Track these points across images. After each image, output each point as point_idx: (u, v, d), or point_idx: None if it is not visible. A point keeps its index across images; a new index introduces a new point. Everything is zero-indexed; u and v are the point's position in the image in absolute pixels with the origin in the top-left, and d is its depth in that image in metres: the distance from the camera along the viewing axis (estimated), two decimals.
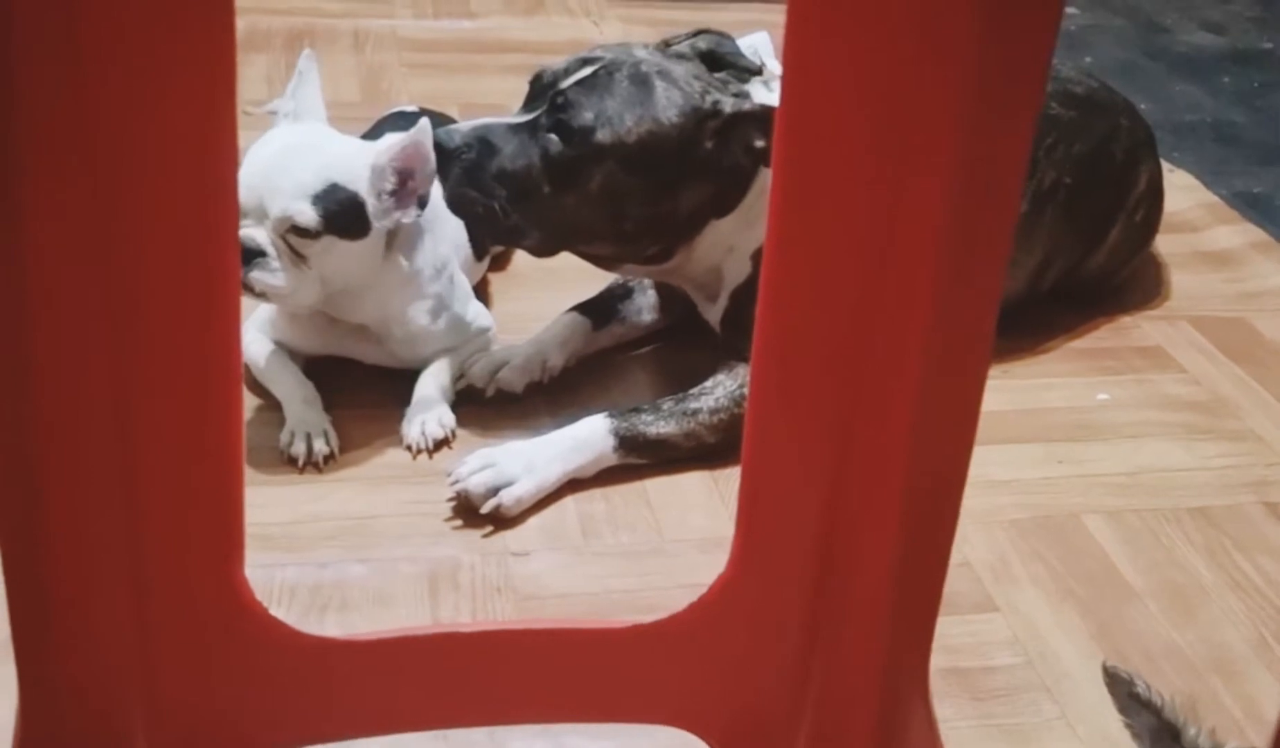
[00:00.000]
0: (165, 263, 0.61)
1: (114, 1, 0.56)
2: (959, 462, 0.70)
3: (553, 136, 1.26)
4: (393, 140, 1.26)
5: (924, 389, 0.68)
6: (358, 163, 1.24)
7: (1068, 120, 1.54)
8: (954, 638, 1.10)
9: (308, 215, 1.20)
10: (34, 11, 0.55)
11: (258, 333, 1.36)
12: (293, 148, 1.23)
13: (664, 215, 1.29)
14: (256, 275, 1.21)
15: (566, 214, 1.28)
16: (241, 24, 2.28)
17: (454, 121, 1.64)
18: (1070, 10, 2.89)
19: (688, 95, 1.27)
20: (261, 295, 1.24)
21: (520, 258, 1.60)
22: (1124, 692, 1.00)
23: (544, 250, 1.34)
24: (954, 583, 1.16)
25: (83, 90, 0.57)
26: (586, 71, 1.28)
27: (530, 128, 1.27)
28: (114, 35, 0.56)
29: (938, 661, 1.05)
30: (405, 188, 1.25)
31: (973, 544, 1.22)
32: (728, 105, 1.27)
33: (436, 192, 1.28)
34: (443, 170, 1.26)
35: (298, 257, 1.22)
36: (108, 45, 0.56)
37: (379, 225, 1.25)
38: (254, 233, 1.21)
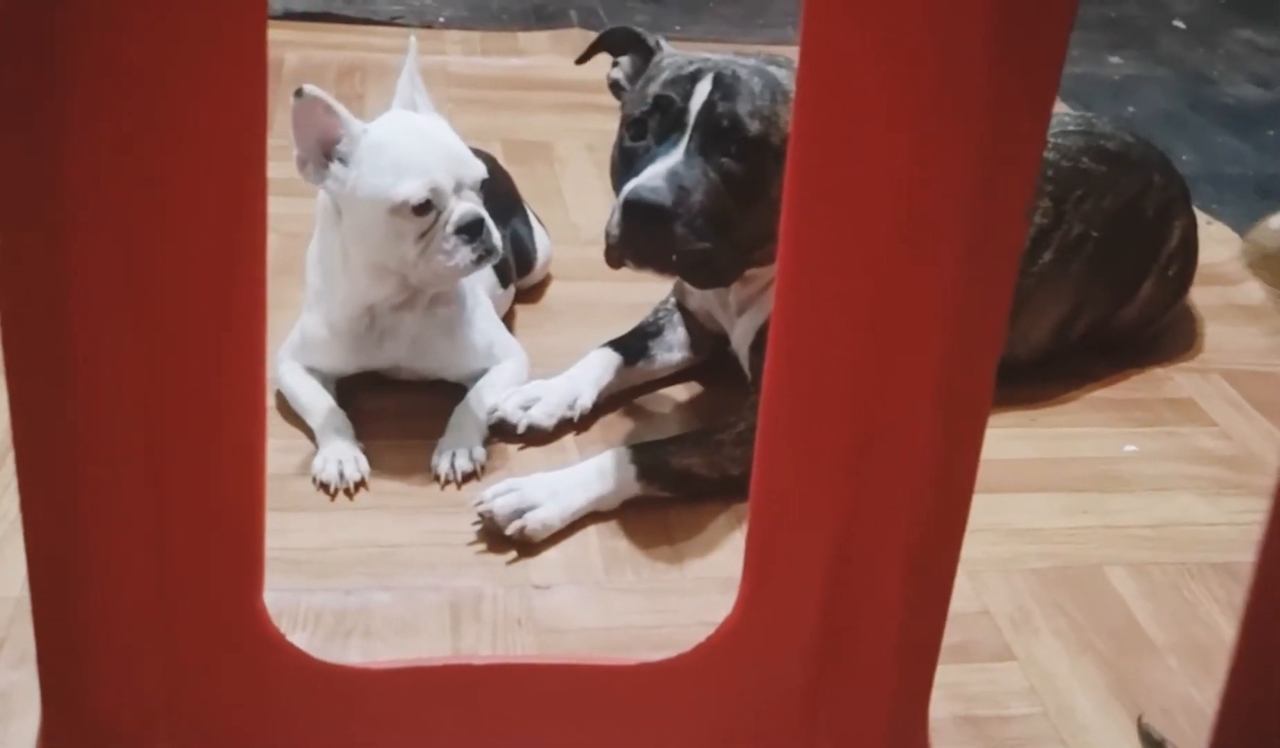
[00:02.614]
0: (192, 285, 0.64)
1: (151, 25, 0.59)
2: (961, 508, 0.72)
3: (724, 160, 1.24)
4: None
5: (932, 437, 0.70)
6: None
7: (1098, 175, 1.55)
8: (970, 686, 1.10)
9: (482, 168, 1.29)
10: (79, 38, 0.58)
11: (291, 362, 1.39)
12: (436, 127, 1.31)
13: None
14: (496, 242, 1.28)
15: (751, 227, 1.25)
16: (294, 57, 2.35)
17: (493, 159, 1.67)
18: (1114, 60, 2.89)
19: (779, 62, 1.29)
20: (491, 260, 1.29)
21: (550, 290, 1.62)
22: None
23: (735, 276, 1.31)
24: (972, 631, 1.17)
25: (122, 111, 0.59)
26: (705, 84, 1.25)
27: (698, 155, 1.24)
28: (150, 52, 0.59)
29: (953, 708, 1.07)
30: None
31: (993, 592, 1.22)
32: None
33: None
34: (665, 232, 1.20)
35: None
36: (144, 63, 0.59)
37: None
38: (473, 207, 1.27)
